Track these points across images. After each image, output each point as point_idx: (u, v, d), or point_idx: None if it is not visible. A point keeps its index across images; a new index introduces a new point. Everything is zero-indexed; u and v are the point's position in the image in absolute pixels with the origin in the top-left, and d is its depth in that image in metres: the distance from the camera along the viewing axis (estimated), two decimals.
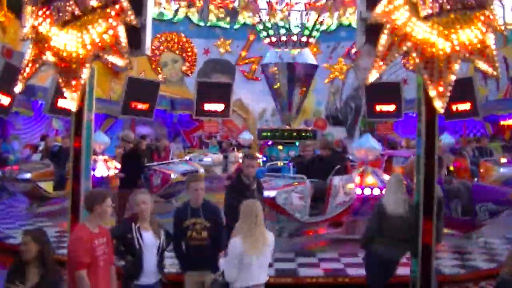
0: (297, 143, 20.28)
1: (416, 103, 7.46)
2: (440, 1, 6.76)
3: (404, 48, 6.89)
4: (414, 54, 6.87)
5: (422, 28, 6.77)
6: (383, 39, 6.89)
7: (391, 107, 27.08)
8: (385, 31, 6.89)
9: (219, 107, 27.22)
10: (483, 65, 6.81)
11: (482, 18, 6.80)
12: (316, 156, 12.76)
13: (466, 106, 23.69)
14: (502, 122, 27.15)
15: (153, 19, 7.84)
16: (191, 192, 7.18)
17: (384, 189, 7.74)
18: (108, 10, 6.77)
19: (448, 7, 6.74)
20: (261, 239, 6.18)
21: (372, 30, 7.14)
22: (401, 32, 6.84)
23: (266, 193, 10.32)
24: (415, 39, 6.80)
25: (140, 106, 24.47)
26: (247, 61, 33.70)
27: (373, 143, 12.40)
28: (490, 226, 11.96)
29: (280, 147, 20.46)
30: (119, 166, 13.97)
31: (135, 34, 7.09)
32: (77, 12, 6.82)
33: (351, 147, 16.56)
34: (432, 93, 6.81)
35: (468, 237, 11.82)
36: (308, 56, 21.26)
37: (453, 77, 6.76)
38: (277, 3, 22.73)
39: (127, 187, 11.85)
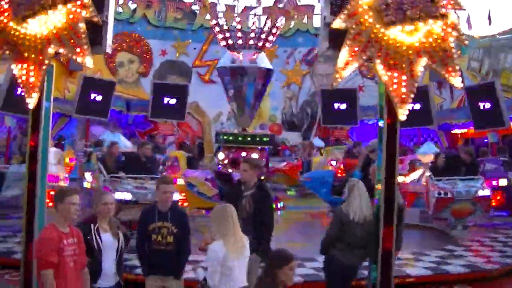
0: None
1: (378, 111, 7.45)
2: (404, 9, 6.77)
3: (368, 55, 6.89)
4: (377, 60, 6.88)
5: (385, 35, 6.78)
6: (347, 44, 6.88)
7: (346, 114, 27.29)
8: (349, 36, 6.89)
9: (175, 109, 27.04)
10: (444, 72, 6.84)
11: (444, 27, 6.84)
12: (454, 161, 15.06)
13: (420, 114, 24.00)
14: (454, 131, 27.54)
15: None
16: (159, 194, 7.04)
17: (345, 196, 7.72)
18: (69, 6, 6.63)
19: (411, 13, 6.76)
20: (240, 242, 6.13)
21: (336, 35, 7.13)
22: (365, 38, 6.85)
23: None
24: (379, 45, 6.81)
25: (95, 105, 24.16)
26: (203, 63, 33.54)
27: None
28: None
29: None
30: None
31: (95, 31, 6.96)
32: (37, 6, 6.66)
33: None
34: (395, 99, 6.83)
35: None
36: (263, 60, 21.19)
37: (415, 84, 6.80)
38: (234, 7, 22.68)
39: None
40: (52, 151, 13.92)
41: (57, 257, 5.60)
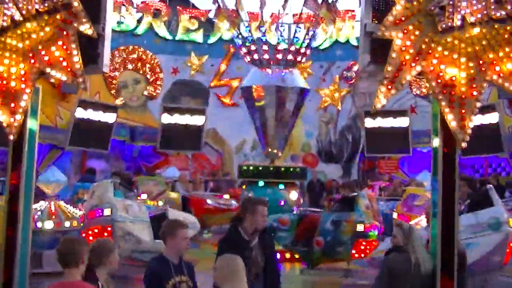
0: (280, 186, 19.99)
1: (432, 136, 7.35)
2: (463, 12, 6.71)
3: (418, 69, 6.82)
4: (429, 76, 6.80)
5: (440, 45, 6.72)
6: (393, 57, 6.82)
7: (396, 141, 27.13)
8: (395, 48, 6.83)
9: (189, 138, 27.15)
10: None
11: None
12: None
13: (488, 139, 23.73)
14: None
15: (112, 30, 7.73)
16: (177, 241, 6.90)
17: (397, 240, 7.62)
18: (58, 16, 6.65)
19: (473, 19, 6.70)
20: None
21: (379, 47, 7.11)
22: (414, 49, 6.78)
23: None
24: (432, 58, 6.74)
25: (93, 135, 24.30)
26: (223, 83, 33.58)
27: None
28: None
29: (282, 186, 20.11)
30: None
31: (90, 47, 6.96)
32: (17, 17, 6.68)
33: None
34: (451, 123, 6.74)
35: None
36: (297, 77, 21.15)
37: (477, 104, 6.71)
38: (261, 14, 22.71)
39: None
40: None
41: None
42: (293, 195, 20.02)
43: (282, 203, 19.91)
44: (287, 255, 17.20)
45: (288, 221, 16.32)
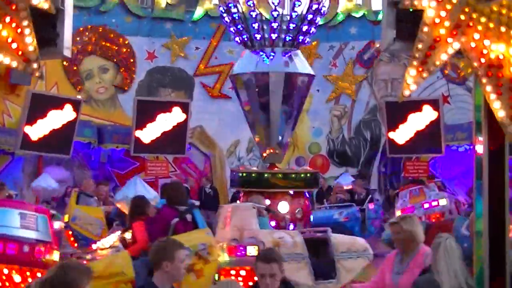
0: None
1: (474, 129, 7.30)
2: None
3: (456, 46, 6.77)
4: (470, 55, 6.76)
5: (484, 15, 6.67)
6: (424, 32, 6.77)
7: (425, 138, 27.11)
8: (427, 20, 6.78)
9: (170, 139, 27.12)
10: None
11: None
12: None
13: None
14: None
15: (74, 5, 7.68)
16: (176, 265, 6.96)
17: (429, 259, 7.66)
18: None
19: None
20: None
21: (407, 19, 7.09)
22: (451, 21, 6.73)
23: None
24: (473, 32, 6.69)
25: (50, 136, 24.23)
26: (211, 70, 33.58)
27: None
28: None
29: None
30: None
31: (47, 25, 6.90)
32: None
33: None
34: (499, 113, 6.67)
35: None
36: (300, 61, 21.11)
37: None
38: None
39: None
40: None
41: None
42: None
43: None
44: None
45: None
